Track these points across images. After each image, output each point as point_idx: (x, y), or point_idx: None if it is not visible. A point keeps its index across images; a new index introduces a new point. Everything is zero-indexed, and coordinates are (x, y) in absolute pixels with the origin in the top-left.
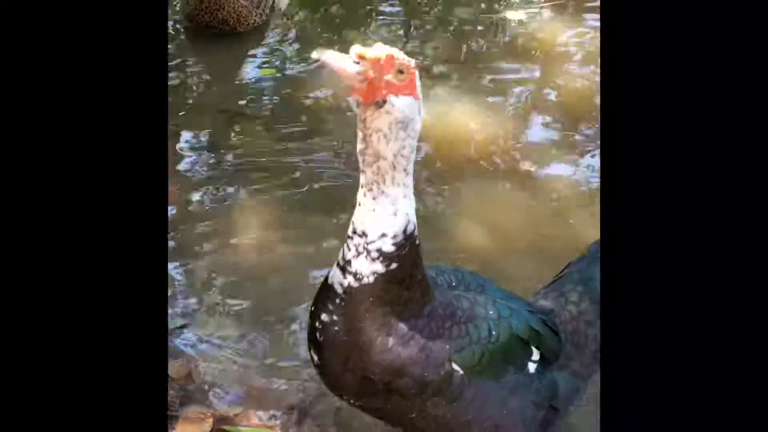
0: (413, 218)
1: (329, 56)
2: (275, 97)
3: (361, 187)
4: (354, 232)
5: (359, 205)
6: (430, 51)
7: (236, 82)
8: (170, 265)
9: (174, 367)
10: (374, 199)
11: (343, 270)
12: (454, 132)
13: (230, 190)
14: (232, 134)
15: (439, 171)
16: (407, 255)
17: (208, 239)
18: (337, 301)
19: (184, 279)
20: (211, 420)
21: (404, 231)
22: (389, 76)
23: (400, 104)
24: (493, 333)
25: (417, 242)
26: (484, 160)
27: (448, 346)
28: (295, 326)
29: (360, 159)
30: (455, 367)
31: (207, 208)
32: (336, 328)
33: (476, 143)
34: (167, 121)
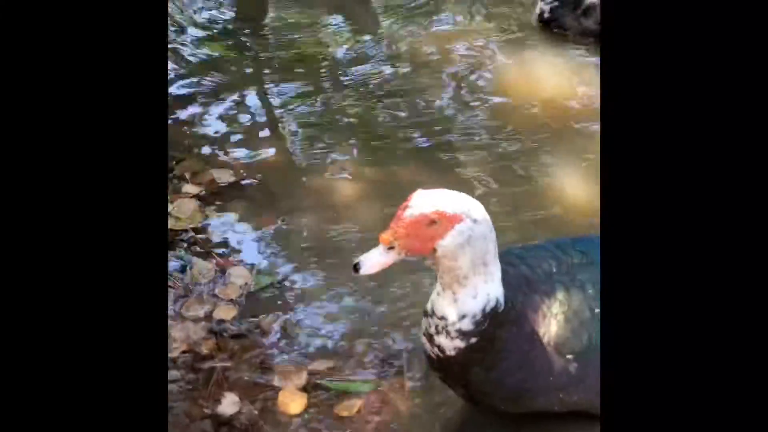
0: (495, 294)
1: (365, 266)
2: None
3: (439, 283)
4: (433, 312)
5: (437, 294)
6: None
7: None
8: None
9: (265, 322)
10: (454, 293)
11: (430, 342)
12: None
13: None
14: None
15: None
16: (487, 329)
17: None
18: (434, 365)
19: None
20: (305, 373)
21: (483, 310)
22: (425, 233)
23: (450, 241)
24: (596, 312)
25: (499, 310)
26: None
27: (552, 344)
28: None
29: (435, 268)
30: (569, 357)
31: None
32: (446, 380)
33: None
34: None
